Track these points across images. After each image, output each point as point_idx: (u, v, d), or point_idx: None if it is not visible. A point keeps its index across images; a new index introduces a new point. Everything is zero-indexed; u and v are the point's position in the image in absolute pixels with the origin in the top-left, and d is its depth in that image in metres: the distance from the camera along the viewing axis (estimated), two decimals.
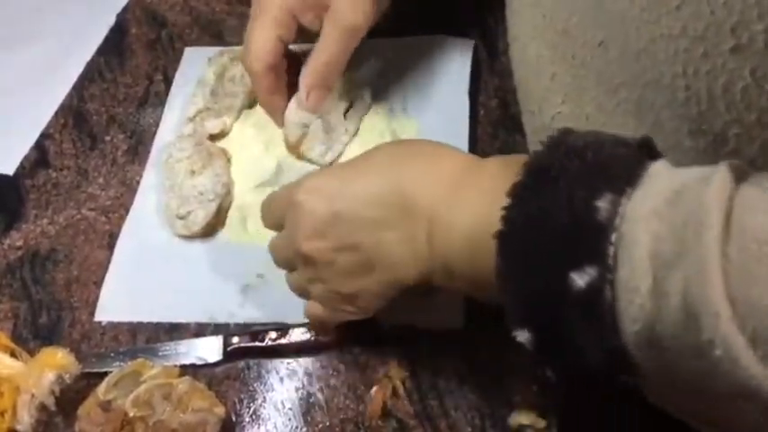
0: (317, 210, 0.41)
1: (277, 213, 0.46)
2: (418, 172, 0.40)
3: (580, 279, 0.30)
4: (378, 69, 0.63)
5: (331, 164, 0.57)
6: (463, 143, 0.57)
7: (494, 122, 0.59)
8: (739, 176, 0.29)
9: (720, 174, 0.29)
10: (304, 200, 0.42)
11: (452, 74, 0.61)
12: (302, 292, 0.46)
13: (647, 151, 0.33)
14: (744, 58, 0.30)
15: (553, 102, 0.43)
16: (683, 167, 0.31)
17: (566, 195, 0.31)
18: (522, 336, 0.33)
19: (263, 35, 0.55)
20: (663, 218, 0.29)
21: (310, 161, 0.57)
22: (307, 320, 0.48)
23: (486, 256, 0.34)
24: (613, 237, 0.29)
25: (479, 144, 0.58)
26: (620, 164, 0.31)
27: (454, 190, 0.38)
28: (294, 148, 0.57)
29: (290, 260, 0.45)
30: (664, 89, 0.34)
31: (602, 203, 0.30)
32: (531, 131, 0.48)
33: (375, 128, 0.59)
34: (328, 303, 0.44)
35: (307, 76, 0.55)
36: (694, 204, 0.28)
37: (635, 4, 0.34)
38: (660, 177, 0.31)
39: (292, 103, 0.57)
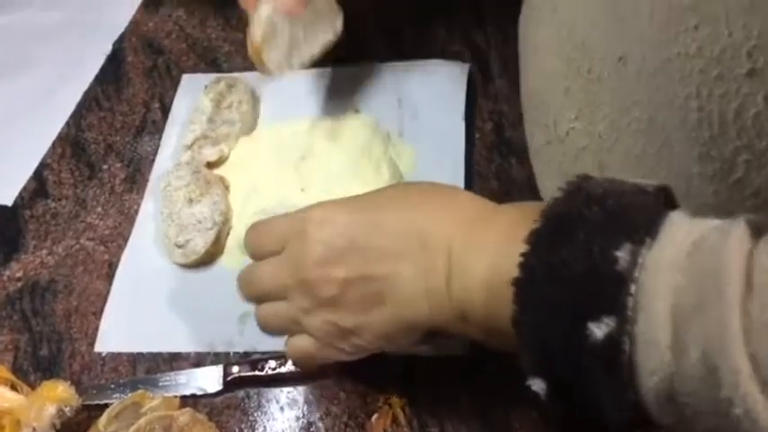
0: (330, 238, 0.40)
1: (270, 241, 0.43)
2: (435, 209, 0.40)
3: (598, 330, 0.29)
4: (373, 94, 0.63)
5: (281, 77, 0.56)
6: (459, 167, 0.57)
7: (489, 146, 0.59)
8: (758, 231, 0.29)
9: (739, 227, 0.29)
10: (315, 228, 0.40)
11: (448, 98, 0.61)
12: (287, 326, 0.43)
13: (664, 199, 0.33)
14: (759, 83, 0.30)
15: (567, 117, 0.42)
16: (700, 218, 0.31)
17: (585, 244, 0.31)
18: (537, 385, 0.32)
19: None
20: (683, 270, 0.28)
21: (264, 68, 0.55)
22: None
23: (502, 303, 0.33)
24: (633, 288, 0.29)
25: (475, 167, 0.58)
26: (640, 213, 0.31)
27: (471, 232, 0.38)
28: (256, 49, 0.54)
29: (281, 289, 0.42)
30: (676, 110, 0.34)
31: (622, 253, 0.29)
32: (540, 144, 0.47)
33: (372, 153, 0.59)
34: (323, 337, 0.42)
35: None
36: (714, 258, 0.28)
37: (653, 21, 0.34)
38: (680, 228, 0.30)
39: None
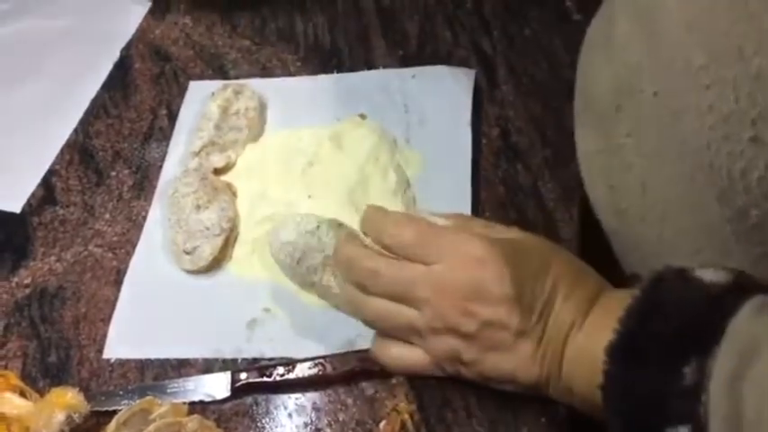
0: (485, 280, 0.42)
1: (422, 245, 0.44)
2: (567, 284, 0.42)
3: None
4: (380, 100, 0.63)
5: None
6: (466, 173, 0.57)
7: (495, 152, 0.59)
8: None
9: None
10: (475, 264, 0.42)
11: (454, 104, 0.61)
12: (405, 333, 0.44)
13: (735, 294, 0.35)
14: (761, 149, 0.32)
15: (620, 131, 0.44)
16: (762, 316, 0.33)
17: (656, 361, 0.35)
18: None
19: None
20: (743, 379, 0.31)
21: None
22: (313, 356, 0.48)
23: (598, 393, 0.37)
24: (702, 397, 0.32)
25: (482, 173, 0.58)
26: (705, 324, 0.34)
27: (585, 316, 0.41)
28: None
29: (417, 300, 0.43)
30: (693, 155, 0.36)
31: (690, 369, 0.33)
32: (591, 150, 0.48)
33: (379, 159, 0.59)
34: (440, 357, 0.44)
35: None
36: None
37: (675, 69, 0.36)
38: (739, 334, 0.33)
39: None
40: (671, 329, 0.35)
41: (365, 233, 0.47)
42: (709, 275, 0.36)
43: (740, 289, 0.35)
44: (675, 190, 0.40)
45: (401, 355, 0.46)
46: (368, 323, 0.47)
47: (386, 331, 0.46)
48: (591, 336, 0.40)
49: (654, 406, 0.34)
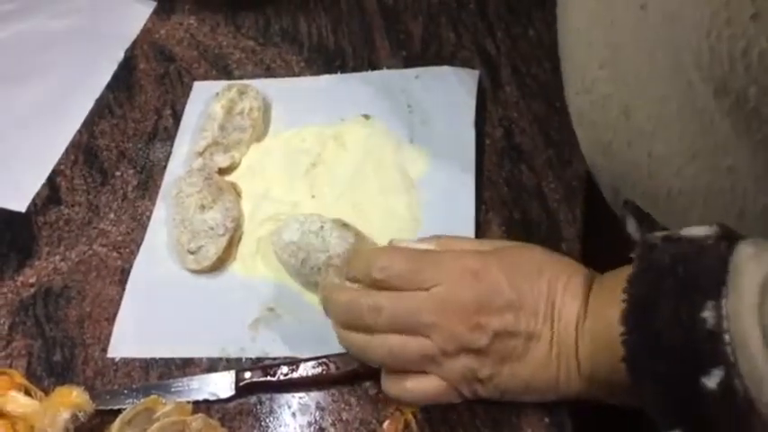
0: (486, 292, 0.42)
1: (410, 272, 0.44)
2: (563, 280, 0.43)
3: (710, 382, 0.34)
4: (383, 101, 0.64)
5: None
6: (470, 174, 0.57)
7: (499, 152, 0.59)
8: None
9: None
10: (472, 280, 0.43)
11: (458, 104, 0.62)
12: (420, 363, 0.43)
13: (726, 241, 0.36)
14: (762, 25, 0.33)
15: (592, 67, 0.44)
16: (760, 244, 0.35)
17: (672, 316, 0.35)
18: None
19: None
20: (763, 307, 0.33)
21: None
22: (317, 356, 0.48)
23: (623, 371, 0.37)
24: (726, 338, 0.33)
25: (486, 174, 0.58)
26: (709, 269, 0.35)
27: (589, 305, 0.42)
28: None
29: (426, 327, 0.43)
30: (693, 51, 0.36)
31: (707, 313, 0.34)
32: (570, 96, 0.49)
33: (382, 160, 0.60)
34: (456, 380, 0.43)
35: None
36: None
37: None
38: (747, 269, 0.34)
39: None
40: (677, 283, 0.36)
41: (350, 279, 0.47)
42: (695, 231, 0.37)
43: (727, 237, 0.36)
44: (663, 105, 0.40)
45: (416, 386, 0.44)
46: (377, 363, 0.45)
47: (398, 367, 0.45)
48: (599, 318, 0.40)
49: (682, 359, 0.35)
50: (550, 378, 0.42)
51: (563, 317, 0.42)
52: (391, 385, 0.45)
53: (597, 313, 0.41)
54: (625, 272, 0.39)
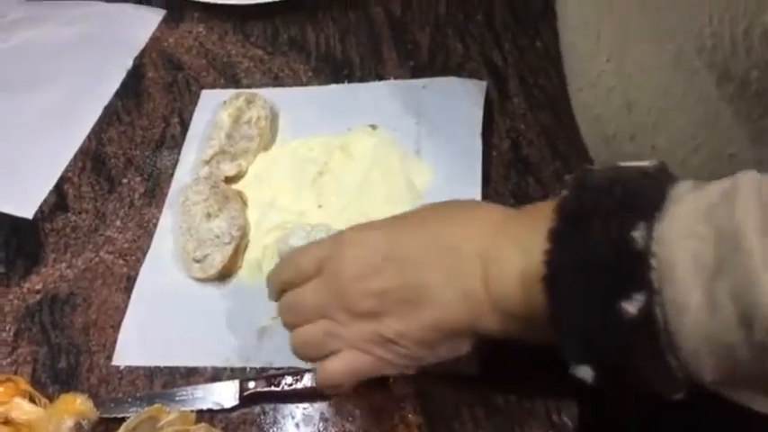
0: (363, 256, 0.42)
1: (309, 265, 0.44)
2: (463, 222, 0.42)
3: (631, 307, 0.32)
4: (390, 111, 0.64)
5: None
6: (477, 185, 0.57)
7: (506, 164, 0.59)
8: (763, 178, 0.31)
9: (744, 183, 0.31)
10: (349, 248, 0.43)
11: (465, 116, 0.62)
12: (324, 341, 0.44)
13: (666, 174, 0.35)
14: (762, 4, 0.32)
15: (598, 61, 0.44)
16: (704, 185, 0.33)
17: (602, 232, 0.33)
18: (583, 371, 0.34)
19: None
20: (698, 235, 0.31)
21: None
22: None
23: (538, 297, 0.35)
24: (653, 262, 0.31)
25: (492, 185, 0.58)
26: (647, 193, 0.34)
27: (498, 236, 0.40)
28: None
29: (321, 309, 0.43)
30: (695, 39, 0.36)
31: (637, 233, 0.32)
32: (573, 92, 0.49)
33: (389, 170, 0.60)
34: (363, 346, 0.42)
35: None
36: (725, 215, 0.30)
37: None
38: (685, 198, 0.33)
39: None
40: (612, 202, 0.34)
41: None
42: (638, 163, 0.36)
43: (668, 173, 0.35)
44: (666, 96, 0.40)
45: (332, 365, 0.44)
46: (301, 358, 0.46)
47: (315, 355, 0.45)
48: (515, 243, 0.38)
49: (605, 279, 0.33)
50: (461, 318, 0.40)
51: (461, 256, 0.40)
52: (318, 378, 0.45)
53: (513, 238, 0.39)
54: (551, 201, 0.37)
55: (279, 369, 0.50)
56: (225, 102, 0.64)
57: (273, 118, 0.65)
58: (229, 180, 0.61)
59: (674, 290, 0.31)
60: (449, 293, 0.40)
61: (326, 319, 0.43)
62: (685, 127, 0.40)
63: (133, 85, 0.71)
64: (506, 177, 0.58)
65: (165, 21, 0.76)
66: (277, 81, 0.69)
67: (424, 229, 0.42)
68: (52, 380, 0.52)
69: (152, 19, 0.76)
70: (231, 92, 0.66)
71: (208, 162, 0.61)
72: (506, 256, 0.38)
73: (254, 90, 0.67)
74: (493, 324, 0.40)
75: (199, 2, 0.74)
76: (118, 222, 0.61)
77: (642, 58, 0.41)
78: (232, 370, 0.51)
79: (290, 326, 0.45)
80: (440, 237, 0.41)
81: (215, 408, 0.49)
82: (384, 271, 0.41)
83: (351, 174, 0.60)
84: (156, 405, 0.48)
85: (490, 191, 0.58)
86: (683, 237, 0.31)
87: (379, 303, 0.41)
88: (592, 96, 0.46)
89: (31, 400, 0.50)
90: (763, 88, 0.35)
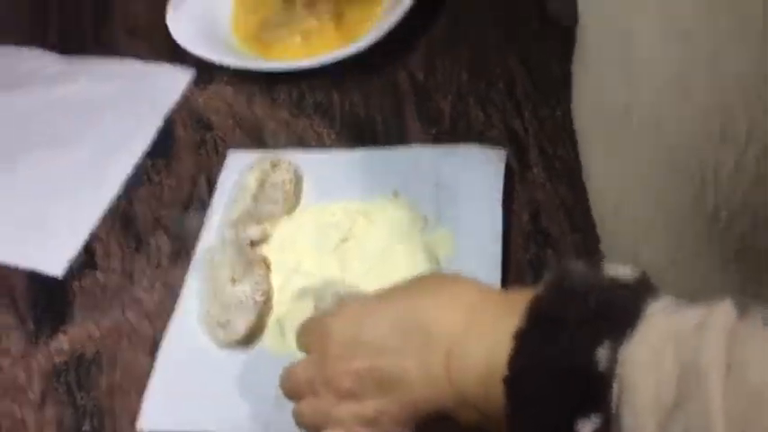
0: (346, 334, 0.44)
1: (308, 338, 0.47)
2: (436, 302, 0.43)
3: (586, 428, 0.31)
4: (412, 177, 0.65)
5: None
6: (497, 257, 0.58)
7: (525, 235, 0.60)
8: (738, 314, 0.30)
9: (717, 317, 0.30)
10: (333, 325, 0.45)
11: (485, 184, 0.63)
12: (319, 420, 0.45)
13: (645, 289, 0.34)
14: (729, 147, 0.33)
15: (595, 158, 0.46)
16: (681, 305, 0.33)
17: (569, 344, 0.33)
18: None
19: None
20: (662, 365, 0.30)
21: None
22: None
23: (499, 395, 0.35)
24: (615, 385, 0.31)
25: (511, 256, 0.59)
26: (619, 310, 0.33)
27: (469, 325, 0.40)
28: None
29: (311, 385, 0.45)
30: (668, 164, 0.37)
31: (603, 351, 0.32)
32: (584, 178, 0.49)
33: (410, 238, 0.61)
34: (351, 428, 0.44)
35: None
36: (693, 350, 0.30)
37: (657, 78, 0.37)
38: (657, 322, 0.32)
39: None
40: (584, 312, 0.33)
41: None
42: (617, 270, 0.36)
43: (648, 287, 0.35)
44: (647, 208, 0.41)
45: None
46: (300, 427, 0.47)
47: (310, 428, 0.46)
48: (483, 335, 0.38)
49: (564, 394, 0.32)
50: (433, 401, 0.41)
51: (431, 343, 0.40)
52: None
53: (481, 330, 0.39)
54: (527, 292, 0.37)
55: None
56: (251, 164, 0.66)
57: (298, 181, 0.66)
58: (254, 243, 0.62)
59: (632, 418, 0.30)
60: (420, 377, 0.41)
61: (316, 396, 0.45)
62: (664, 241, 0.40)
63: (163, 144, 0.73)
64: (525, 249, 0.59)
65: (195, 81, 0.78)
66: (302, 143, 0.71)
67: (398, 307, 0.43)
68: None
69: (183, 78, 0.78)
70: (257, 154, 0.68)
71: (233, 225, 0.63)
72: (472, 351, 0.39)
73: (279, 152, 0.68)
74: (455, 410, 0.40)
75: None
76: (145, 282, 0.62)
77: (626, 168, 0.42)
78: None
79: (288, 397, 0.48)
80: (412, 318, 0.42)
81: None
82: (359, 350, 0.43)
83: (373, 240, 0.61)
84: None
85: (509, 262, 0.59)
86: (648, 364, 0.30)
87: (359, 383, 0.43)
88: (592, 188, 0.47)
89: None
90: (731, 226, 0.35)
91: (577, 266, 0.37)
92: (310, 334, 0.47)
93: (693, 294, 0.38)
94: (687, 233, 0.38)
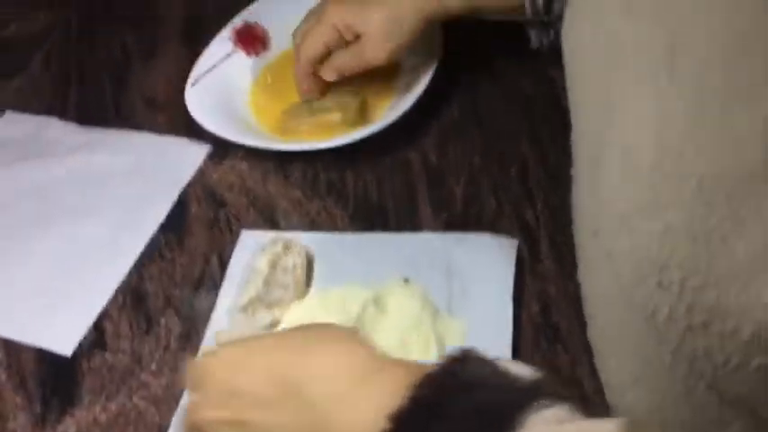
0: (219, 379, 0.44)
1: (190, 379, 0.47)
2: (317, 360, 0.43)
3: None
4: (423, 264, 0.65)
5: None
6: (507, 351, 0.58)
7: (535, 329, 0.60)
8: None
9: None
10: (213, 368, 0.45)
11: (497, 275, 0.63)
12: None
13: (536, 395, 0.35)
14: (665, 293, 0.34)
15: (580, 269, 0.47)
16: (566, 421, 0.33)
17: None
18: None
19: (316, 39, 0.73)
20: None
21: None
22: None
23: None
24: None
25: (521, 350, 0.59)
26: (500, 413, 0.33)
27: (348, 391, 0.40)
28: None
29: (196, 426, 0.46)
30: (620, 294, 0.38)
31: None
32: None
33: (421, 328, 0.61)
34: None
35: (330, 62, 0.74)
36: None
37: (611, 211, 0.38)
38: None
39: None
40: (464, 405, 0.34)
41: None
42: (515, 368, 0.36)
43: (542, 392, 0.35)
44: (610, 327, 0.42)
45: None
46: None
47: None
48: (363, 407, 0.39)
49: None
50: None
51: (305, 399, 0.40)
52: None
53: (355, 405, 0.39)
54: (422, 368, 0.37)
55: None
56: (263, 247, 0.67)
57: (309, 265, 0.67)
58: (264, 329, 0.62)
59: None
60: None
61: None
62: (626, 360, 0.41)
63: (176, 220, 0.73)
64: (536, 343, 0.59)
65: (210, 156, 0.79)
66: (314, 225, 0.71)
67: (283, 359, 0.43)
68: None
69: (199, 153, 0.79)
70: (270, 236, 0.68)
71: (244, 309, 0.63)
72: (348, 420, 0.39)
73: (291, 234, 0.69)
74: None
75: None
76: (153, 366, 0.62)
77: (594, 286, 0.43)
78: None
79: None
80: (290, 374, 0.42)
81: None
82: (234, 399, 0.43)
83: (383, 330, 0.61)
84: None
85: (519, 356, 0.58)
86: None
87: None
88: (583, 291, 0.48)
89: None
90: (677, 360, 0.36)
91: (478, 356, 0.37)
92: (192, 375, 0.47)
93: (662, 412, 0.39)
94: (645, 355, 0.38)
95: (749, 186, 0.31)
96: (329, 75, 0.74)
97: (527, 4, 0.67)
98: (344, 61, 0.73)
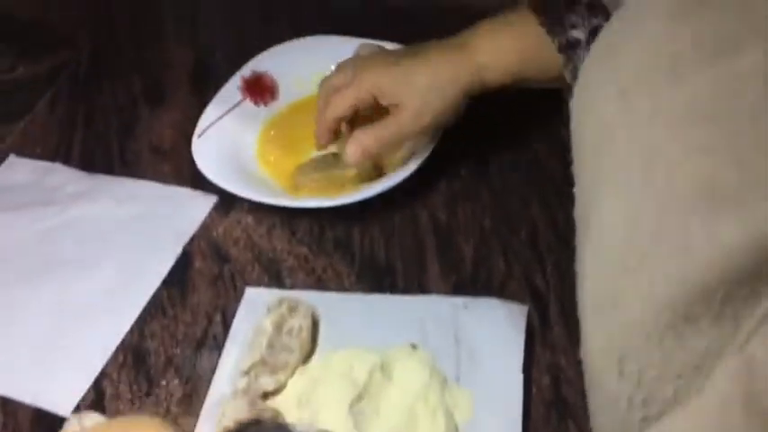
0: None
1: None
2: None
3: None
4: (430, 329, 0.64)
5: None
6: (516, 425, 0.56)
7: (546, 403, 0.59)
8: None
9: None
10: None
11: (506, 343, 0.61)
12: None
13: None
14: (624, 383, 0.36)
15: None
16: None
17: None
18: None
19: (347, 101, 0.70)
20: None
21: None
22: None
23: None
24: None
25: (531, 425, 0.57)
26: None
27: None
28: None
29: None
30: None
31: None
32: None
33: (428, 398, 0.59)
34: None
35: (358, 138, 0.70)
36: None
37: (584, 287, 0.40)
38: None
39: None
40: None
41: None
42: None
43: None
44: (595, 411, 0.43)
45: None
46: None
47: None
48: None
49: None
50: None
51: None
52: None
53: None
54: None
55: None
56: (268, 308, 0.65)
57: (314, 327, 0.65)
58: (267, 395, 0.61)
59: None
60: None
61: None
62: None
63: (180, 275, 0.72)
64: (546, 419, 0.58)
65: (215, 208, 0.78)
66: (320, 283, 0.70)
67: None
68: None
69: (205, 205, 0.78)
70: (275, 296, 0.67)
71: (247, 373, 0.62)
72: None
73: (296, 294, 0.68)
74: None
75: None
76: None
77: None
78: None
79: None
80: None
81: None
82: None
83: (389, 399, 0.60)
84: None
85: (530, 430, 0.57)
86: None
87: None
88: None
89: None
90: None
91: None
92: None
93: None
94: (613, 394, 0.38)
95: (706, 295, 0.32)
96: (353, 155, 0.70)
97: (567, 75, 0.65)
98: (382, 135, 0.69)
